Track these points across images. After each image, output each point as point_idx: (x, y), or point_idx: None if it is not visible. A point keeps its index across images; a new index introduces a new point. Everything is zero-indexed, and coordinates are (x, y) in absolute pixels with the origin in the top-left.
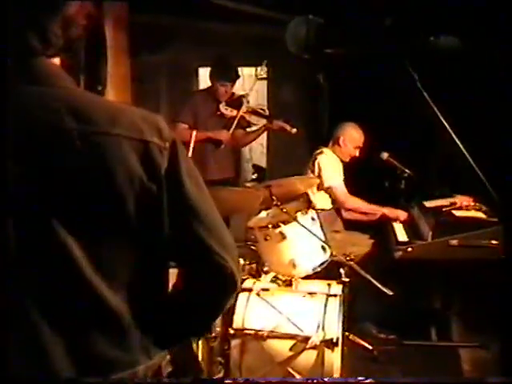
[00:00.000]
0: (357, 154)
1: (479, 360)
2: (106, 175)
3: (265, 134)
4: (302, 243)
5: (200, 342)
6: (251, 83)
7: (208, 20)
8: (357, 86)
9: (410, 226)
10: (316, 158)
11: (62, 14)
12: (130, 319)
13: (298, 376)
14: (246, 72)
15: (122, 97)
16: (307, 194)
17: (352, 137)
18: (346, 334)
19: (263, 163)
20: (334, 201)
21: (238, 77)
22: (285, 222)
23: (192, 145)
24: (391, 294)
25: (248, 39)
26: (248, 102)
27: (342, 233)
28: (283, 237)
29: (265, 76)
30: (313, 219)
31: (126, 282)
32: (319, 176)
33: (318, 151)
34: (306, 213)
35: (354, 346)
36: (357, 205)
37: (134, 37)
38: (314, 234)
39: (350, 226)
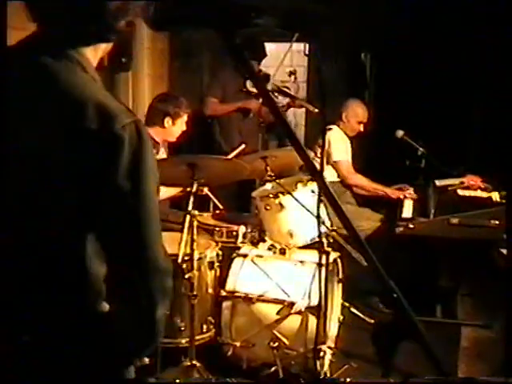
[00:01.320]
0: (361, 128)
1: (479, 339)
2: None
3: (296, 112)
4: (301, 214)
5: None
6: (300, 59)
7: None
8: (398, 65)
9: (421, 204)
10: (325, 134)
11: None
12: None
13: (283, 339)
14: (294, 47)
15: (159, 71)
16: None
17: (354, 112)
18: (347, 305)
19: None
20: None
21: (265, 55)
22: (284, 193)
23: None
24: (365, 264)
25: (289, 15)
26: (296, 78)
27: (352, 206)
28: (282, 207)
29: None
30: (313, 191)
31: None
32: (328, 152)
33: (328, 127)
34: (306, 185)
35: (355, 318)
36: (359, 181)
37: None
38: (304, 207)
39: (364, 203)
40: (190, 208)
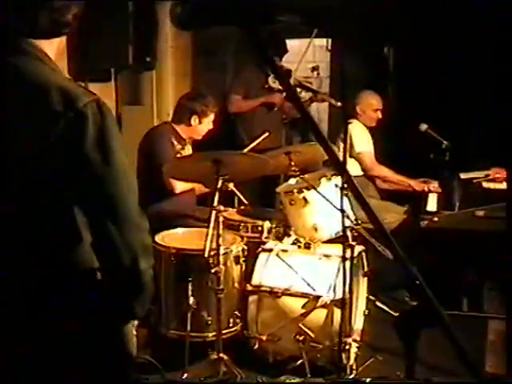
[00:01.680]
0: (379, 115)
1: (506, 332)
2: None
3: (319, 108)
4: (325, 208)
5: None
6: (322, 54)
7: None
8: (420, 58)
9: (446, 197)
10: (347, 127)
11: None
12: None
13: (309, 332)
14: (317, 43)
15: (182, 68)
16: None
17: (368, 102)
18: (372, 298)
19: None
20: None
21: (286, 51)
22: (308, 188)
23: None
24: (391, 257)
25: (311, 10)
26: (318, 74)
27: (375, 200)
28: (306, 202)
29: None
30: (337, 186)
31: None
32: (350, 144)
33: (349, 121)
34: (330, 179)
35: (381, 311)
36: (383, 173)
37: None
38: (328, 200)
39: (387, 197)
40: (215, 204)
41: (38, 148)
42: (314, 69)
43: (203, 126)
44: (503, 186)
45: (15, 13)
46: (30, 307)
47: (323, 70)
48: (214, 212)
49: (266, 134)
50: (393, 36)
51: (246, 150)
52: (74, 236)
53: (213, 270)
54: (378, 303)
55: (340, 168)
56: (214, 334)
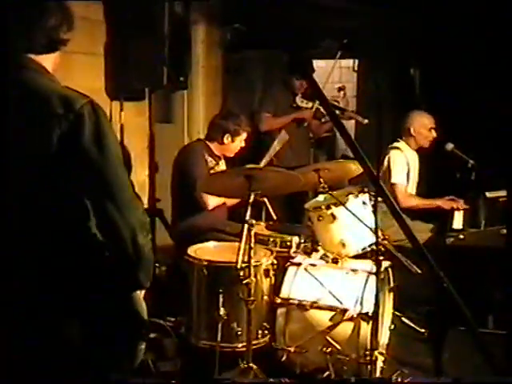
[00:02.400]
0: (434, 134)
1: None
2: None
3: (353, 129)
4: (352, 225)
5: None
6: (349, 75)
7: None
8: (446, 79)
9: (472, 216)
10: (388, 153)
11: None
12: None
13: (336, 345)
14: (343, 64)
15: (212, 86)
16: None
17: (422, 123)
18: (399, 314)
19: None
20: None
21: (313, 71)
22: (336, 204)
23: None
24: (419, 272)
25: (338, 32)
26: (345, 94)
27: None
28: (334, 218)
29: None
30: (364, 203)
31: None
32: (388, 170)
33: (393, 145)
34: (357, 196)
35: (406, 327)
36: (412, 203)
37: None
38: (357, 217)
39: (416, 215)
40: (247, 218)
41: (45, 146)
42: (340, 89)
43: (235, 144)
44: None
45: (16, 31)
46: (53, 276)
47: (349, 90)
48: (246, 226)
49: (285, 135)
50: (419, 56)
51: (267, 156)
52: (84, 217)
53: (244, 282)
54: (404, 319)
55: (375, 182)
56: (243, 344)
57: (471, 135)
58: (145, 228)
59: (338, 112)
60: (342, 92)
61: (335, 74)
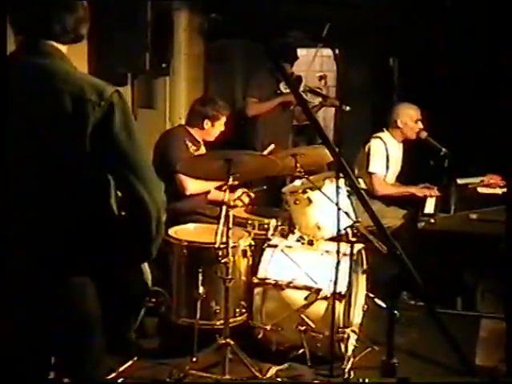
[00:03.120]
0: (420, 126)
1: (497, 330)
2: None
3: (326, 115)
4: (327, 208)
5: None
6: (330, 64)
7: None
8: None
9: (443, 202)
10: (369, 142)
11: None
12: None
13: (310, 323)
14: (325, 53)
15: (195, 74)
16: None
17: (408, 115)
18: (371, 296)
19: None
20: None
21: (296, 58)
22: (312, 189)
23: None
24: (385, 251)
25: (319, 21)
26: (326, 82)
27: (377, 205)
28: (310, 201)
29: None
30: (339, 188)
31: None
32: (367, 159)
33: (375, 135)
34: (333, 181)
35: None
36: (388, 192)
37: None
38: (330, 200)
39: (391, 201)
40: (225, 199)
41: (81, 130)
42: (321, 78)
43: (215, 128)
44: (497, 191)
45: (45, 18)
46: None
47: (330, 80)
48: (224, 207)
49: (272, 146)
50: (398, 47)
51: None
52: (106, 192)
53: (222, 261)
54: (377, 300)
55: (343, 169)
56: (221, 322)
57: (447, 125)
58: (164, 207)
59: (321, 99)
60: (323, 81)
61: (316, 63)
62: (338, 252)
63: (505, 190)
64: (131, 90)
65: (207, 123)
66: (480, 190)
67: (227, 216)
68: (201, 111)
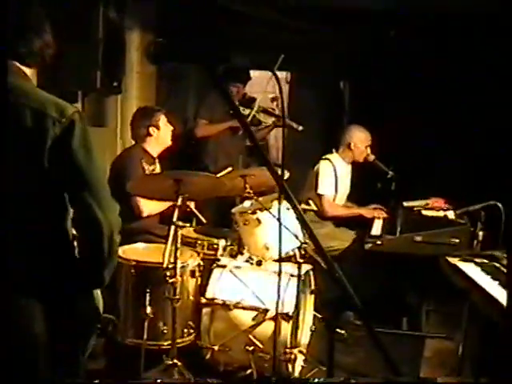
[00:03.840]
0: (369, 151)
1: (441, 349)
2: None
3: (278, 135)
4: (276, 229)
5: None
6: (282, 86)
7: (235, 25)
8: (375, 94)
9: (390, 224)
10: (318, 163)
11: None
12: None
13: (258, 343)
14: (278, 75)
15: (147, 93)
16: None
17: (361, 139)
18: (320, 316)
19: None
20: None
21: (249, 78)
22: (261, 209)
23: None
24: (338, 274)
25: (273, 45)
26: (277, 104)
27: (328, 228)
28: (259, 222)
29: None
30: (288, 209)
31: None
32: (316, 180)
33: (324, 157)
34: (282, 202)
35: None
36: (337, 213)
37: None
38: (281, 223)
39: (341, 222)
40: (174, 219)
41: (40, 145)
42: (273, 99)
43: (163, 131)
44: (440, 213)
45: (13, 41)
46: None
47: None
48: (172, 227)
49: (230, 168)
50: (348, 71)
51: None
52: (63, 212)
53: (170, 281)
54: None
55: (284, 191)
56: (168, 342)
57: (396, 148)
58: (119, 228)
59: (274, 119)
60: (275, 102)
61: (270, 85)
62: (279, 273)
63: (447, 213)
64: (81, 107)
65: (153, 130)
66: (424, 212)
67: (176, 236)
68: (141, 121)
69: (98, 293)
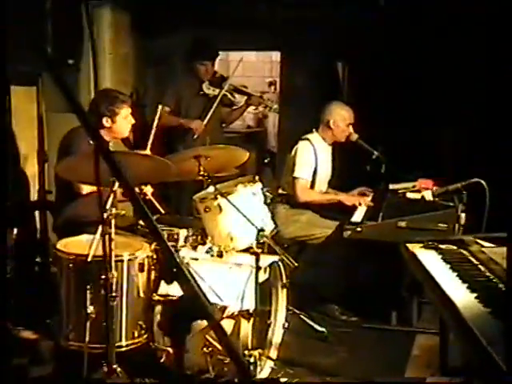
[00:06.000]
0: (351, 130)
1: (431, 347)
2: None
3: (276, 121)
4: (242, 217)
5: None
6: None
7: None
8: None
9: (376, 209)
10: (297, 143)
11: None
12: None
13: (216, 344)
14: (274, 58)
15: (121, 76)
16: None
17: (342, 116)
18: (298, 312)
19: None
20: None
21: (217, 55)
22: (223, 195)
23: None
24: (296, 265)
25: (263, 24)
26: (276, 88)
27: (308, 215)
28: (221, 209)
29: None
30: (254, 194)
31: None
32: (293, 162)
33: (303, 136)
34: (247, 186)
35: (306, 325)
36: (311, 198)
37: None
38: (240, 212)
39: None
40: (108, 206)
41: None
42: (270, 83)
43: (119, 124)
44: (424, 194)
45: None
46: None
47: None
48: (105, 215)
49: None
50: (343, 51)
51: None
52: None
53: (103, 276)
54: (303, 317)
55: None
56: (117, 344)
57: (388, 129)
58: None
59: (245, 97)
60: (272, 87)
61: (266, 69)
62: (239, 265)
63: (424, 193)
64: (37, 90)
65: (107, 121)
66: (410, 195)
67: (109, 224)
68: (95, 110)
69: None
